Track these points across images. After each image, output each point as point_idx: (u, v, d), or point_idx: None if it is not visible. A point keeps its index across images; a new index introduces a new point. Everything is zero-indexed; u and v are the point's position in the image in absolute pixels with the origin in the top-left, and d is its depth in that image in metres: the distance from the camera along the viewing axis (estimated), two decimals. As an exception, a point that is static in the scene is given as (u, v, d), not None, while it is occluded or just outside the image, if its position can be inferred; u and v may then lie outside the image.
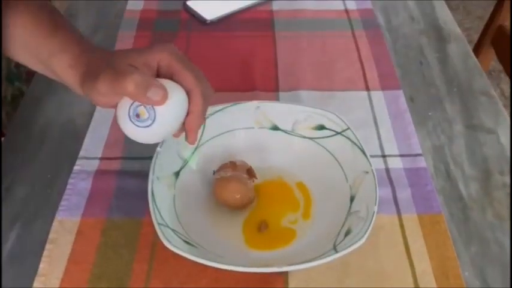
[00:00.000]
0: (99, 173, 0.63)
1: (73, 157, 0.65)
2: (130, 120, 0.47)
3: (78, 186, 0.62)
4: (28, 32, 0.53)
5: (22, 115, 0.73)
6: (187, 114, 0.49)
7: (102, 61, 0.49)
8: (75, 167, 0.64)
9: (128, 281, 0.53)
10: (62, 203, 0.60)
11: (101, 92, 0.47)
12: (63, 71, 0.51)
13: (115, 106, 0.49)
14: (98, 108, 0.72)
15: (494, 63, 1.39)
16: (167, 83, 0.48)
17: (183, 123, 0.50)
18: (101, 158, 0.65)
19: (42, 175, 0.64)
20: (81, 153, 0.66)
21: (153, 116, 0.47)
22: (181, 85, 0.49)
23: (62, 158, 0.66)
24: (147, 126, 0.47)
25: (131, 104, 0.47)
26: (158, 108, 0.47)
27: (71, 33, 0.54)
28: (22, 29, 0.53)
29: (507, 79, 1.84)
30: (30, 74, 0.81)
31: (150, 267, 0.54)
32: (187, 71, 0.49)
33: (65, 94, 0.76)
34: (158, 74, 0.49)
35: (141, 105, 0.47)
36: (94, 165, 0.64)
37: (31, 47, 0.53)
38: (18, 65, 0.96)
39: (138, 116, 0.47)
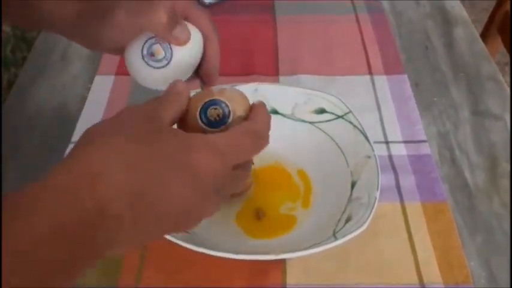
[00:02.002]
0: (92, 158, 0.61)
1: (65, 141, 0.63)
2: (144, 59, 0.44)
3: (70, 171, 0.60)
4: None
5: (14, 98, 0.71)
6: (204, 58, 0.47)
7: None
8: (68, 151, 0.62)
9: (121, 268, 0.51)
10: (53, 187, 0.58)
11: (117, 21, 0.43)
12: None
13: (118, 48, 0.46)
14: (91, 91, 0.70)
15: (500, 56, 1.36)
16: (187, 24, 0.45)
17: (196, 71, 0.47)
18: (94, 143, 0.63)
19: (34, 160, 0.62)
20: (74, 137, 0.64)
21: (170, 56, 0.44)
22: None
23: (54, 142, 0.64)
24: (162, 67, 0.44)
25: (145, 42, 0.44)
26: (176, 48, 0.44)
27: None
28: None
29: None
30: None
31: (142, 254, 0.52)
32: (204, 15, 0.47)
33: (57, 78, 0.74)
34: None
35: (156, 43, 0.44)
36: (87, 149, 0.62)
37: None
38: (14, 51, 0.94)
39: (152, 55, 0.44)
